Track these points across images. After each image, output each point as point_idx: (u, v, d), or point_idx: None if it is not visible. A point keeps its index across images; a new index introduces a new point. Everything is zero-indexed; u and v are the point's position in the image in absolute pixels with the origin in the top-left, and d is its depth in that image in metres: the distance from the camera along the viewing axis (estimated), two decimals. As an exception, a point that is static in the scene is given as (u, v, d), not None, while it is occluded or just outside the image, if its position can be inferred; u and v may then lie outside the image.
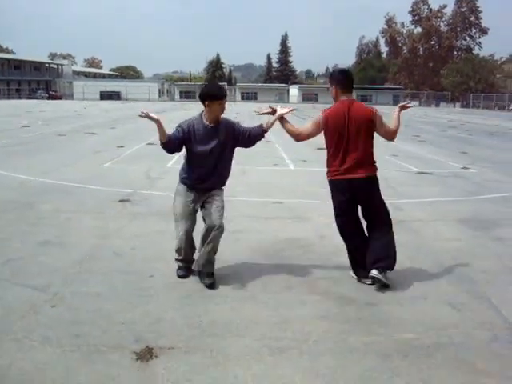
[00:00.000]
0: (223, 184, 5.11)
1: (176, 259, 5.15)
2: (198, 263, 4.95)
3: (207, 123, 4.87)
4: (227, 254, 5.46)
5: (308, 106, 55.54)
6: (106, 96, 73.87)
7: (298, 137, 5.16)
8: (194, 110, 38.13)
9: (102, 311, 4.26)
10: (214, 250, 4.93)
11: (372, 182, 5.03)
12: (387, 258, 4.93)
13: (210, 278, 4.92)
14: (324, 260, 5.66)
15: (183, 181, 5.02)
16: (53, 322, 4.06)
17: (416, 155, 15.48)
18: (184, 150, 4.96)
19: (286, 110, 5.15)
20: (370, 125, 5.02)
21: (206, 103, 4.79)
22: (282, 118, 5.15)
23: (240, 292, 4.76)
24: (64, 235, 6.29)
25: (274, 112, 5.17)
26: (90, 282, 4.89)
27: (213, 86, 4.99)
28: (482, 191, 9.77)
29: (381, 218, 5.09)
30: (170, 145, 4.80)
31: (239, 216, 7.30)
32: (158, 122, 4.66)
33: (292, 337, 3.93)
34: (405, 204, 8.52)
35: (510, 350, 3.80)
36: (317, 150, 14.51)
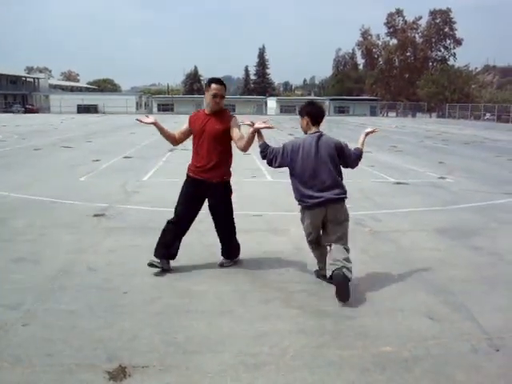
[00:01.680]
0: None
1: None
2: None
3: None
4: (204, 268, 5.39)
5: (286, 118, 55.77)
6: (83, 109, 73.32)
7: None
8: (170, 122, 38.01)
9: (75, 329, 4.16)
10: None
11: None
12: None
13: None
14: (301, 273, 5.63)
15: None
16: (24, 341, 3.95)
17: (393, 165, 15.59)
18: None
19: (263, 125, 5.22)
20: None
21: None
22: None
23: (217, 307, 4.69)
24: (38, 251, 6.16)
25: (252, 125, 5.24)
26: (64, 298, 4.78)
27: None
28: (459, 201, 9.85)
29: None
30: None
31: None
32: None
33: (269, 352, 3.87)
34: (382, 215, 8.55)
35: (489, 361, 3.78)
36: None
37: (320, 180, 4.97)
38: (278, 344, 3.98)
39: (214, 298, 4.89)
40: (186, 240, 6.59)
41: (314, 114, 5.16)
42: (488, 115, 63.56)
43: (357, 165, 5.29)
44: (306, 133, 5.19)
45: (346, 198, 5.11)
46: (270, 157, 5.20)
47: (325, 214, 5.01)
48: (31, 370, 3.55)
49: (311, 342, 4.03)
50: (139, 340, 4.01)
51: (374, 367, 3.67)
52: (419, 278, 5.52)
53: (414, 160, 17.18)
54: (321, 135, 5.08)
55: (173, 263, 5.55)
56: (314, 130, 5.13)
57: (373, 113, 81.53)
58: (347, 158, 5.14)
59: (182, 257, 5.60)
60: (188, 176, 5.47)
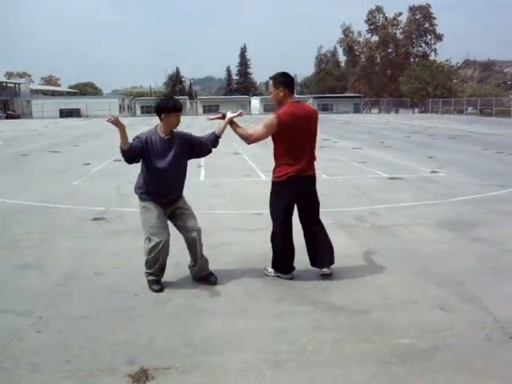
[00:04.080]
0: (182, 193, 5.27)
1: (148, 273, 5.12)
2: (197, 274, 5.23)
3: (163, 135, 5.00)
4: (213, 268, 5.36)
5: (271, 117, 55.60)
6: (65, 113, 72.73)
7: (249, 138, 5.19)
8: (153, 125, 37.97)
9: (90, 333, 4.12)
10: (202, 253, 5.18)
11: (315, 182, 5.36)
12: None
13: (211, 275, 5.25)
14: (310, 270, 5.62)
15: (146, 197, 5.07)
16: (40, 348, 3.91)
17: (384, 161, 15.66)
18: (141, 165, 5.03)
19: (235, 114, 5.27)
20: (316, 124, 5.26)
21: (163, 116, 4.94)
22: (232, 123, 5.21)
23: (230, 306, 4.68)
24: (41, 257, 6.09)
25: (224, 117, 5.23)
26: (75, 303, 4.73)
27: (169, 100, 5.10)
28: (454, 194, 9.93)
29: (317, 216, 5.43)
30: (131, 153, 4.86)
31: (221, 229, 7.24)
32: (123, 128, 4.71)
33: (288, 349, 3.87)
34: (381, 210, 8.59)
35: (504, 349, 3.83)
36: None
37: None
38: (296, 341, 3.98)
39: (225, 297, 4.87)
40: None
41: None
42: (470, 109, 64.17)
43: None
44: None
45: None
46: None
47: None
48: (51, 376, 3.50)
49: (329, 338, 4.03)
50: (156, 342, 3.99)
51: (395, 359, 3.68)
52: (427, 270, 5.55)
53: (403, 155, 17.27)
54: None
55: (180, 265, 5.53)
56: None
57: (356, 110, 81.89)
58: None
59: (187, 257, 5.55)
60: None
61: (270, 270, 5.42)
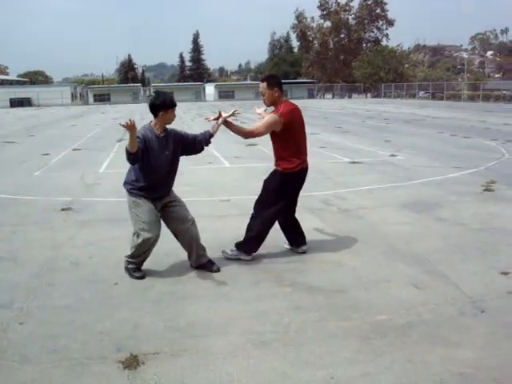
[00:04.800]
0: (172, 188, 5.28)
1: (129, 261, 5.13)
2: (196, 261, 5.29)
3: (158, 133, 4.96)
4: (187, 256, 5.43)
5: (226, 104, 55.59)
6: (16, 103, 70.42)
7: (249, 134, 5.47)
8: (111, 112, 37.20)
9: (75, 323, 4.14)
10: (199, 241, 5.24)
11: None
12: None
13: (212, 264, 5.30)
14: (282, 252, 5.77)
15: (136, 193, 5.01)
16: (26, 339, 3.90)
17: (343, 146, 15.95)
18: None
19: (229, 113, 5.33)
20: None
21: (161, 113, 4.89)
22: (227, 122, 5.30)
23: (211, 291, 4.78)
24: (14, 249, 6.02)
25: (219, 116, 5.32)
26: (55, 294, 4.73)
27: (166, 95, 5.05)
28: (414, 176, 10.25)
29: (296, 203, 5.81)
30: (137, 155, 4.75)
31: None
32: (135, 131, 4.61)
33: (272, 329, 4.00)
34: (346, 193, 8.81)
35: (477, 322, 4.06)
36: (248, 146, 14.70)
37: None
38: (279, 321, 4.12)
39: (205, 283, 4.96)
40: (164, 229, 6.62)
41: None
42: (422, 93, 65.56)
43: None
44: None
45: None
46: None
47: None
48: (41, 367, 3.52)
49: (310, 317, 4.19)
50: (142, 328, 4.05)
51: (375, 335, 3.87)
52: (395, 250, 5.78)
53: (361, 140, 17.62)
54: None
55: (156, 253, 5.57)
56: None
57: (310, 95, 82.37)
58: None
59: (165, 245, 5.59)
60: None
61: (232, 251, 5.62)
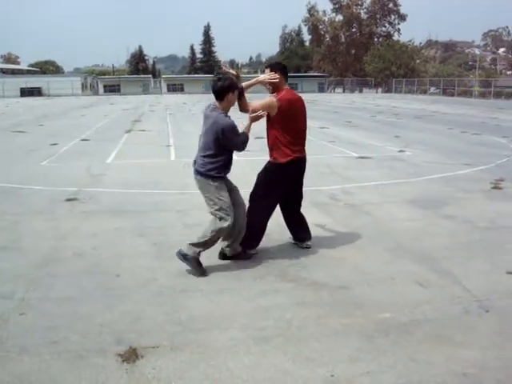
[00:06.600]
0: None
1: (201, 249, 5.03)
2: (233, 250, 5.34)
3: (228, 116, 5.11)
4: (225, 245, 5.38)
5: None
6: (26, 93, 70.57)
7: (245, 107, 5.32)
8: (121, 103, 37.11)
9: (75, 315, 4.12)
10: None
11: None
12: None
13: (245, 252, 5.39)
14: (286, 247, 5.72)
15: (219, 175, 5.07)
16: (25, 330, 3.89)
17: (352, 140, 15.83)
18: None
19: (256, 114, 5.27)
20: None
21: (230, 95, 4.99)
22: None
23: (213, 285, 4.74)
24: (17, 239, 6.00)
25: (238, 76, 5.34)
26: (56, 285, 4.71)
27: (230, 79, 5.13)
28: (422, 172, 10.15)
29: (302, 197, 5.73)
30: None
31: (195, 209, 7.22)
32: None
33: (274, 325, 3.96)
34: (353, 188, 8.74)
35: (482, 322, 4.01)
36: (256, 139, 14.59)
37: None
38: (281, 317, 4.07)
39: (208, 277, 4.92)
40: (169, 221, 6.59)
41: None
42: (433, 89, 65.04)
43: None
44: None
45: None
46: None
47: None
48: (40, 358, 3.50)
49: (312, 313, 4.14)
50: (143, 321, 4.02)
51: (377, 333, 3.82)
52: (402, 247, 5.72)
53: (370, 134, 17.48)
54: None
55: (159, 245, 5.54)
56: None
57: (321, 89, 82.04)
58: None
59: (169, 238, 5.57)
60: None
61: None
